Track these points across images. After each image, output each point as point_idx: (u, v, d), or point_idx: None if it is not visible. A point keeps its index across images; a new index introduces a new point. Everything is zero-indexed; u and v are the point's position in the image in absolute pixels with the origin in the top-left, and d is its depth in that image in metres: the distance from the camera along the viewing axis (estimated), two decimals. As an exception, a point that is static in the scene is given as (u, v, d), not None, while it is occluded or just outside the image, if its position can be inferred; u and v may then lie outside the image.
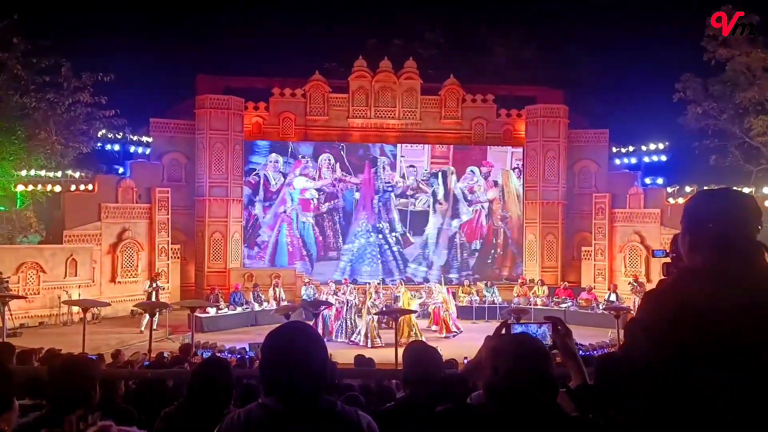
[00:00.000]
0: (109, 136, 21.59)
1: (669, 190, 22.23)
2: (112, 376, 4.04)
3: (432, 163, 24.00)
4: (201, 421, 3.00)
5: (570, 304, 20.20)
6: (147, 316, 13.17)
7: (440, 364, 2.88)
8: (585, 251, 23.42)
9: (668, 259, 4.42)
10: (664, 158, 23.35)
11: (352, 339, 16.47)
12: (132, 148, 22.27)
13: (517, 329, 2.23)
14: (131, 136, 22.00)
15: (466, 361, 12.35)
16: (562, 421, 1.84)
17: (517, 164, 24.13)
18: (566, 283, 21.88)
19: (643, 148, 23.45)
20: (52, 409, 2.76)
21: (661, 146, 23.20)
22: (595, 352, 15.24)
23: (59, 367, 2.87)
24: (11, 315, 16.00)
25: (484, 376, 1.83)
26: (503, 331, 2.16)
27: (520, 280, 22.15)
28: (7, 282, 17.19)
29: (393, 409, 2.89)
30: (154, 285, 18.60)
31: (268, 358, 1.96)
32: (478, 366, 2.00)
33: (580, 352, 13.02)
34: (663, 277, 3.07)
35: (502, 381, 1.78)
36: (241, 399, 4.36)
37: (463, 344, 16.64)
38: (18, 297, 14.64)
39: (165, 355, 11.14)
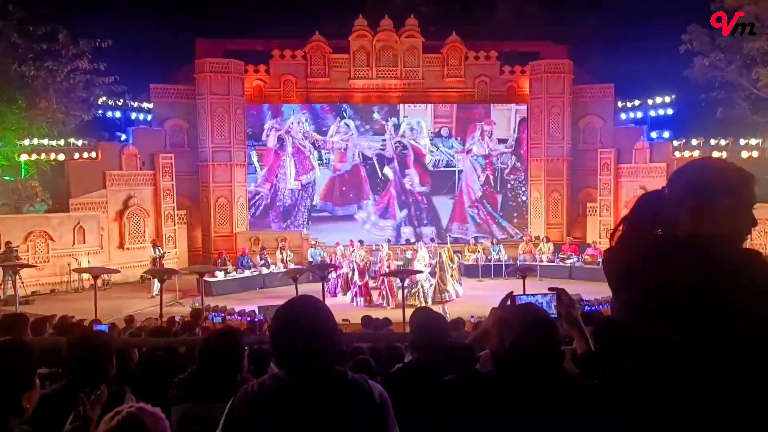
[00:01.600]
0: (110, 103, 21.45)
1: (675, 143, 22.05)
2: (126, 344, 4.12)
3: (435, 122, 23.83)
4: (214, 389, 3.08)
5: (575, 259, 20.31)
6: (157, 281, 13.32)
7: (446, 331, 2.93)
8: (590, 207, 23.40)
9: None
10: (670, 112, 23.09)
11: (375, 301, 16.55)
12: (133, 115, 22.15)
13: (523, 299, 2.26)
14: (132, 103, 21.87)
15: (473, 320, 12.55)
16: (568, 387, 1.89)
17: (522, 120, 23.92)
18: (571, 238, 21.95)
19: (649, 101, 23.17)
20: (69, 383, 2.83)
21: (667, 99, 22.92)
22: (600, 307, 15.43)
23: (75, 341, 2.93)
24: (23, 283, 16.20)
25: (491, 346, 1.87)
26: (509, 303, 2.19)
27: (525, 237, 22.22)
28: (17, 251, 17.36)
29: (400, 373, 2.96)
30: (159, 251, 18.80)
31: (279, 332, 2.00)
32: (485, 335, 2.04)
33: (586, 307, 13.13)
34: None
35: (509, 350, 1.82)
36: (254, 364, 4.45)
37: (470, 302, 16.88)
38: (29, 266, 14.81)
39: (176, 319, 11.33)
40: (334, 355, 2.04)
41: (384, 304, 16.26)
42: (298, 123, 23.22)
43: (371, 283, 17.44)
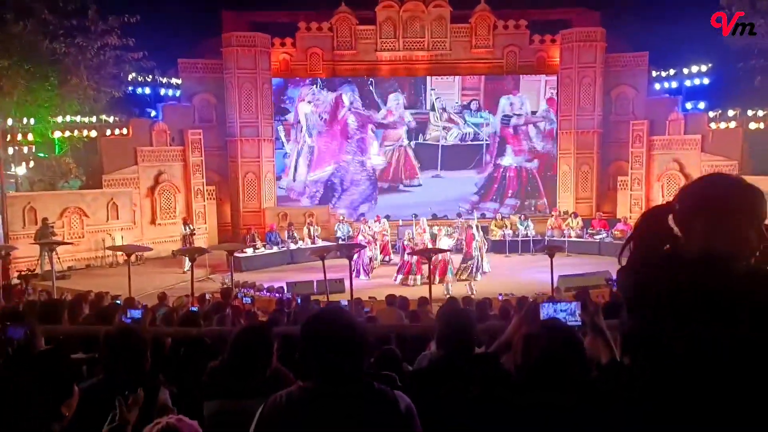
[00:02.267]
0: (139, 79, 21.65)
1: (711, 114, 21.46)
2: (159, 334, 4.23)
3: (462, 95, 23.53)
4: (245, 383, 3.15)
5: (605, 235, 20.04)
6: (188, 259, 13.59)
7: (473, 330, 2.94)
8: (621, 181, 22.98)
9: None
10: (706, 81, 22.39)
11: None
12: (162, 91, 22.34)
13: (547, 307, 2.24)
14: (161, 79, 22.04)
15: (500, 297, 12.53)
16: (591, 396, 1.90)
17: (551, 93, 23.49)
18: (601, 214, 21.66)
19: (685, 71, 22.48)
20: (106, 378, 2.93)
21: (703, 68, 22.21)
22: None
23: (111, 337, 3.02)
24: (59, 258, 16.66)
25: (515, 361, 1.88)
26: (532, 314, 2.19)
27: (553, 212, 21.98)
28: (53, 227, 17.83)
29: (425, 371, 2.99)
30: (189, 228, 19.10)
31: (307, 344, 2.03)
32: (510, 346, 2.04)
33: (615, 284, 12.99)
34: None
35: (534, 368, 1.82)
36: (284, 353, 4.52)
37: (498, 279, 16.86)
38: (65, 243, 15.23)
39: (207, 297, 11.58)
40: (361, 366, 2.07)
41: (410, 283, 16.27)
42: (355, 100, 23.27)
43: (400, 258, 17.48)
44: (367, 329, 3.98)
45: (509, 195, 23.92)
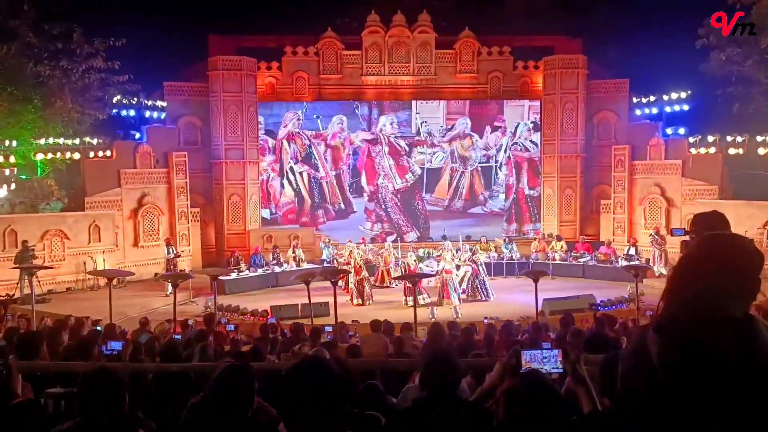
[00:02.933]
0: (124, 101, 21.59)
1: (691, 140, 21.80)
2: (139, 370, 4.18)
3: (447, 119, 23.76)
4: (227, 416, 3.11)
5: (588, 258, 20.21)
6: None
7: (456, 372, 2.93)
8: (604, 204, 23.24)
9: (687, 237, 4.38)
10: (686, 107, 22.79)
11: None
12: (147, 113, 22.29)
13: (529, 355, 2.25)
14: (146, 101, 21.99)
15: (486, 321, 12.53)
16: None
17: (534, 118, 23.78)
18: (584, 237, 21.84)
19: (665, 97, 22.89)
20: (82, 421, 2.88)
21: (683, 95, 22.63)
22: (613, 307, 15.38)
23: (89, 378, 2.98)
24: (39, 282, 16.42)
25: (497, 416, 1.89)
26: (515, 360, 2.20)
27: (537, 235, 22.13)
28: (33, 250, 17.59)
29: (409, 412, 2.98)
30: (172, 251, 18.95)
31: (291, 393, 2.03)
32: (492, 393, 2.05)
33: (599, 308, 13.07)
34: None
35: (515, 421, 1.83)
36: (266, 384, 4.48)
37: (483, 302, 16.90)
38: (45, 267, 15.00)
39: (190, 322, 11.46)
40: (340, 411, 2.07)
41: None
42: (391, 123, 23.30)
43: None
44: (350, 365, 3.98)
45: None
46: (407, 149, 23.67)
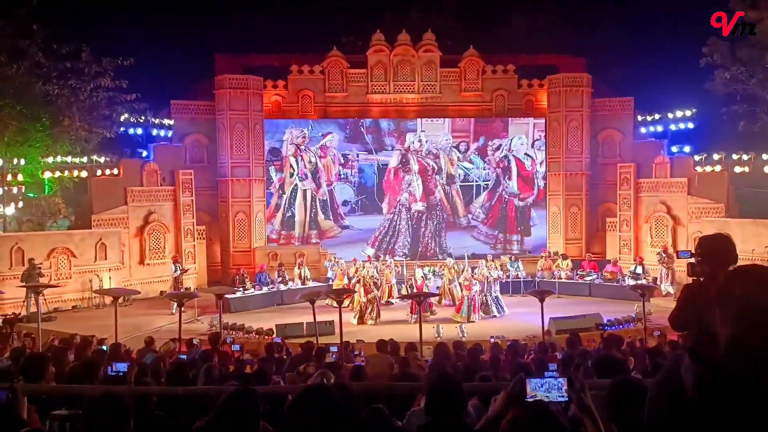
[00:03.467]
0: (132, 120, 21.77)
1: (696, 158, 21.80)
2: (144, 393, 4.18)
3: (453, 137, 23.84)
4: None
5: (595, 277, 20.10)
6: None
7: (461, 398, 2.93)
8: (610, 222, 23.18)
9: (693, 260, 4.38)
10: (691, 125, 22.83)
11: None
12: (154, 131, 22.46)
13: (534, 383, 2.24)
14: (153, 120, 22.18)
15: (492, 340, 12.46)
16: None
17: (539, 135, 23.84)
18: (591, 255, 21.75)
19: (670, 115, 22.93)
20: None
21: (688, 113, 22.67)
22: (620, 326, 15.25)
23: (94, 404, 2.98)
24: (45, 300, 16.47)
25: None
26: (519, 389, 2.19)
27: (543, 253, 22.06)
28: (40, 268, 17.64)
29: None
30: (179, 269, 18.97)
31: (295, 426, 2.04)
32: (497, 422, 2.04)
33: (606, 327, 12.96)
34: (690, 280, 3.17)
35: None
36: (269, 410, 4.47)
37: (489, 321, 16.82)
38: (51, 286, 15.03)
39: (195, 341, 11.43)
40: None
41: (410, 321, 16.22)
42: (419, 141, 23.50)
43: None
44: (353, 389, 3.96)
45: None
46: (435, 167, 23.72)
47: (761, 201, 21.80)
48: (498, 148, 23.85)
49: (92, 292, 18.32)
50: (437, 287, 18.33)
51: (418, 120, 23.71)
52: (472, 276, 17.34)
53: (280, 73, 23.73)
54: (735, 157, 20.76)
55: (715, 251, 3.94)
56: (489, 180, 24.00)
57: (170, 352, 9.21)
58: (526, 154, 23.99)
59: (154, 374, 5.93)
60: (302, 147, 23.34)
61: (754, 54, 21.90)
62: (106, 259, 19.54)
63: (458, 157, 23.86)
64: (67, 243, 19.07)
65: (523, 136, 23.96)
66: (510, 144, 23.89)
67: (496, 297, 17.55)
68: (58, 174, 19.96)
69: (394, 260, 20.87)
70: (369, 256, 20.51)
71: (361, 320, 16.72)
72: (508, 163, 23.97)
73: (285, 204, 23.43)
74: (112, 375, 5.06)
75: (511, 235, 24.06)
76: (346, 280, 18.55)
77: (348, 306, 16.87)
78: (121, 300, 16.39)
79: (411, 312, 16.24)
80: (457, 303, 17.43)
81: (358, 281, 17.41)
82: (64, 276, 18.69)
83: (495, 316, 17.15)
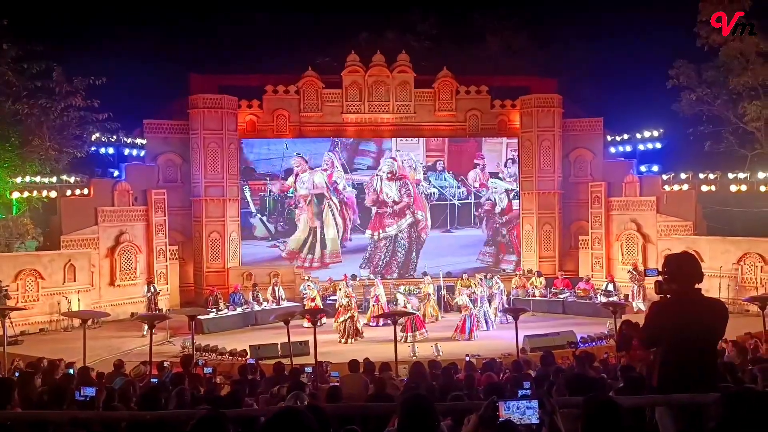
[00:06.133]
0: (103, 139, 21.44)
1: (664, 177, 22.28)
2: (113, 418, 4.09)
3: (427, 156, 24.02)
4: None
5: (568, 294, 20.32)
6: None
7: (434, 422, 2.92)
8: (582, 240, 23.50)
9: (660, 278, 4.48)
10: (659, 145, 23.34)
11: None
12: (126, 151, 22.16)
13: (507, 406, 2.27)
14: (125, 139, 21.88)
15: (467, 358, 12.46)
16: None
17: (512, 155, 24.15)
18: (563, 273, 22.00)
19: (638, 135, 23.44)
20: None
21: (655, 133, 23.21)
22: (593, 343, 15.39)
23: (61, 429, 2.92)
24: (11, 322, 16.04)
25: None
26: (491, 412, 2.21)
27: (517, 271, 22.24)
28: (7, 290, 17.22)
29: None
30: (152, 290, 18.67)
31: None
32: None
33: (580, 345, 13.08)
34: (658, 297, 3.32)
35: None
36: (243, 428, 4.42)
37: (464, 341, 16.84)
38: (17, 309, 14.70)
39: (166, 364, 11.23)
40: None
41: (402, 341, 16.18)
42: (392, 159, 23.62)
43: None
44: (327, 411, 3.93)
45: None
46: (410, 187, 23.80)
47: (728, 219, 22.35)
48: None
49: (60, 315, 17.91)
50: (415, 306, 18.32)
51: (393, 139, 23.86)
52: (469, 294, 17.72)
53: (256, 93, 23.71)
54: (702, 176, 21.25)
55: (680, 269, 4.06)
56: (463, 198, 24.15)
57: (141, 376, 9.03)
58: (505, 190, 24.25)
59: (124, 398, 5.81)
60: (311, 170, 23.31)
61: (719, 76, 22.60)
62: (75, 280, 19.14)
63: (434, 176, 24.03)
64: (35, 264, 18.66)
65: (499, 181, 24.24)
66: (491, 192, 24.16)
67: (485, 311, 17.94)
68: (26, 194, 19.52)
69: (369, 279, 20.85)
70: (345, 275, 20.43)
71: (346, 340, 16.71)
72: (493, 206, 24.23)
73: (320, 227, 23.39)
74: (80, 399, 4.95)
75: (505, 255, 24.25)
76: (318, 301, 18.50)
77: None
78: (90, 322, 16.05)
79: (405, 331, 16.30)
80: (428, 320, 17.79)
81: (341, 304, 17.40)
82: (32, 298, 18.26)
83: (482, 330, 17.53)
